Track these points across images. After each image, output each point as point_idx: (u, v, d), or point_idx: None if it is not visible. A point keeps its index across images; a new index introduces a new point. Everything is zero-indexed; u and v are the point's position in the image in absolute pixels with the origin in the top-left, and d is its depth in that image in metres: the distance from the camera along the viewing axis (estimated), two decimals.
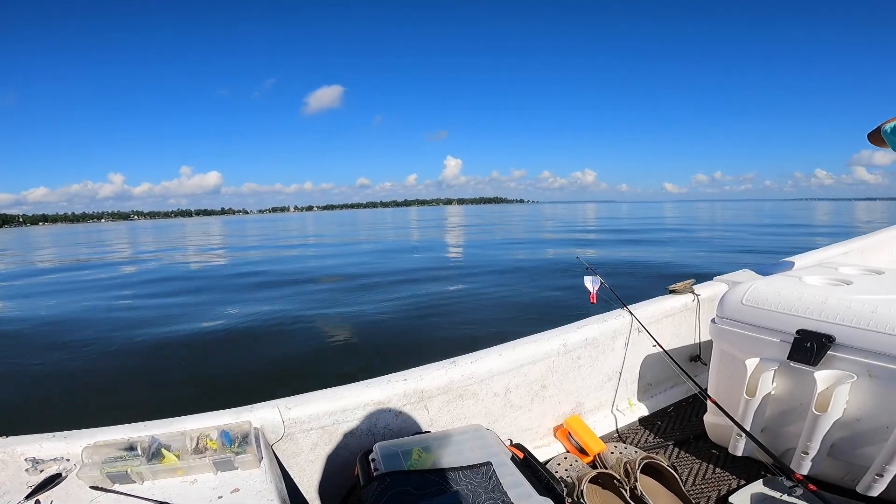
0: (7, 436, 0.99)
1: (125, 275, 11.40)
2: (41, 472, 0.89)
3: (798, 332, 1.21)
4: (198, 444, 0.93)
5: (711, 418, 1.52)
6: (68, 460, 0.93)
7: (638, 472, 1.25)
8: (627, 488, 1.24)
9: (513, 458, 1.04)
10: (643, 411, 1.76)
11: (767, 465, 1.39)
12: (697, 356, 1.93)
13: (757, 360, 1.29)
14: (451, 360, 1.38)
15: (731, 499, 1.25)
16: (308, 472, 1.18)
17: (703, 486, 1.36)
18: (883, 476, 1.09)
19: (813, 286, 1.34)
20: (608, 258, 10.30)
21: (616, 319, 1.68)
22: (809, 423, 1.18)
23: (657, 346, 1.64)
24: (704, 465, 1.45)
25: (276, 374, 3.69)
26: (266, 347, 4.45)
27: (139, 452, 0.89)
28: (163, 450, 0.90)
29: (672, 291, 1.92)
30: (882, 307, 1.13)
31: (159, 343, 4.76)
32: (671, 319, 1.85)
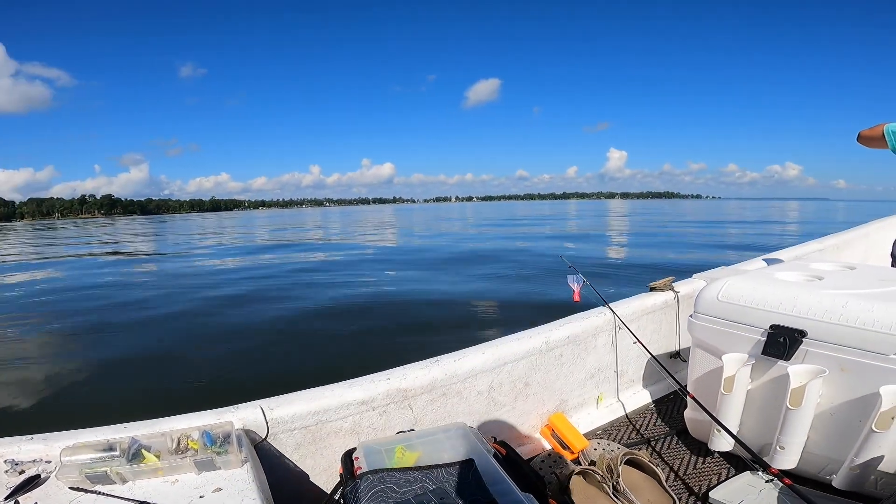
0: None
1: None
2: (20, 473, 0.88)
3: (771, 327, 1.24)
4: (179, 444, 0.92)
5: (691, 414, 1.55)
6: (48, 462, 0.92)
7: (620, 468, 1.27)
8: (610, 484, 1.26)
9: (495, 456, 1.05)
10: (625, 408, 1.78)
11: (746, 460, 1.41)
12: (677, 353, 1.96)
13: (733, 355, 1.31)
14: (435, 358, 1.39)
15: (711, 494, 1.27)
16: (292, 471, 1.17)
17: (684, 482, 1.38)
18: (857, 469, 1.12)
19: (786, 282, 1.36)
20: None
21: (597, 317, 1.70)
22: (784, 418, 1.20)
23: (638, 343, 1.67)
24: (686, 460, 1.48)
25: None
26: None
27: (118, 453, 0.89)
28: (143, 450, 0.90)
29: (652, 289, 1.95)
30: (852, 302, 1.15)
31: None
32: (651, 317, 1.88)
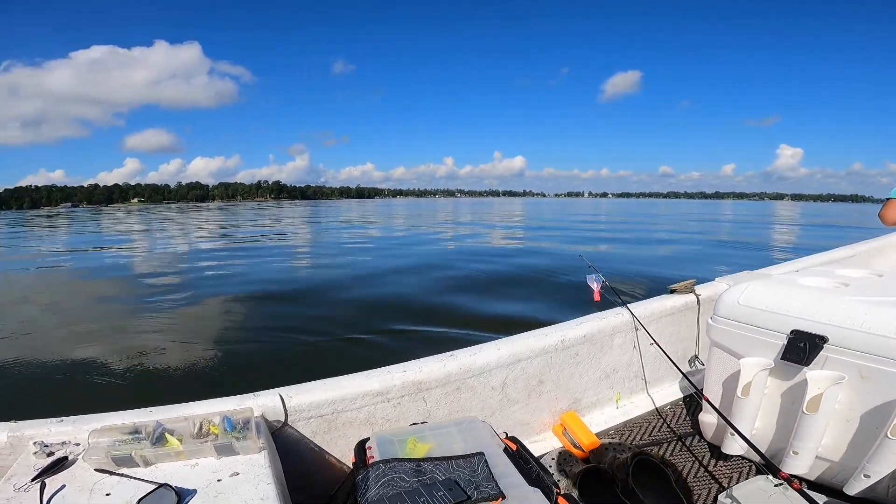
0: (17, 420, 1.02)
1: None
2: (48, 455, 0.92)
3: (792, 332, 1.22)
4: (201, 429, 0.96)
5: (706, 417, 1.54)
6: (77, 444, 0.96)
7: (631, 468, 1.27)
8: (619, 484, 1.26)
9: (506, 450, 1.06)
10: (639, 409, 1.78)
11: (758, 464, 1.40)
12: (695, 356, 1.94)
13: (751, 359, 1.30)
14: (451, 353, 1.41)
15: (720, 497, 1.26)
16: (307, 458, 1.21)
17: (694, 484, 1.37)
18: (869, 476, 1.11)
19: (809, 287, 1.34)
20: None
21: (615, 317, 1.70)
22: (800, 423, 1.19)
23: (655, 345, 1.65)
24: (697, 463, 1.47)
25: None
26: None
27: (143, 436, 0.93)
28: (166, 434, 0.94)
29: (673, 291, 1.93)
30: (876, 309, 1.13)
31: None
32: (671, 319, 1.86)
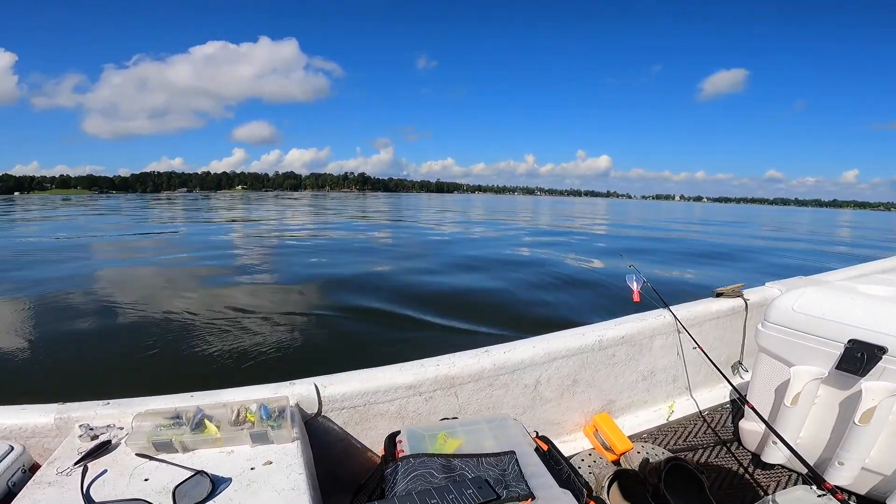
0: (63, 401, 1.05)
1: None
2: (93, 439, 0.95)
3: (849, 341, 1.16)
4: (238, 416, 0.99)
5: (747, 424, 1.48)
6: (121, 428, 0.98)
7: (663, 473, 1.23)
8: (651, 489, 1.23)
9: (537, 450, 1.05)
10: (675, 414, 1.72)
11: (799, 473, 1.35)
12: (739, 362, 1.86)
13: (803, 367, 1.25)
14: (485, 348, 1.40)
15: None
16: (337, 449, 1.23)
17: (729, 492, 1.33)
18: None
19: (868, 295, 1.27)
20: None
21: (656, 319, 1.65)
22: (849, 434, 1.15)
23: (696, 349, 1.60)
24: (734, 470, 1.42)
25: None
26: None
27: (184, 422, 0.96)
28: (206, 420, 0.97)
29: (719, 295, 1.86)
30: None
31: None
32: (715, 323, 1.79)
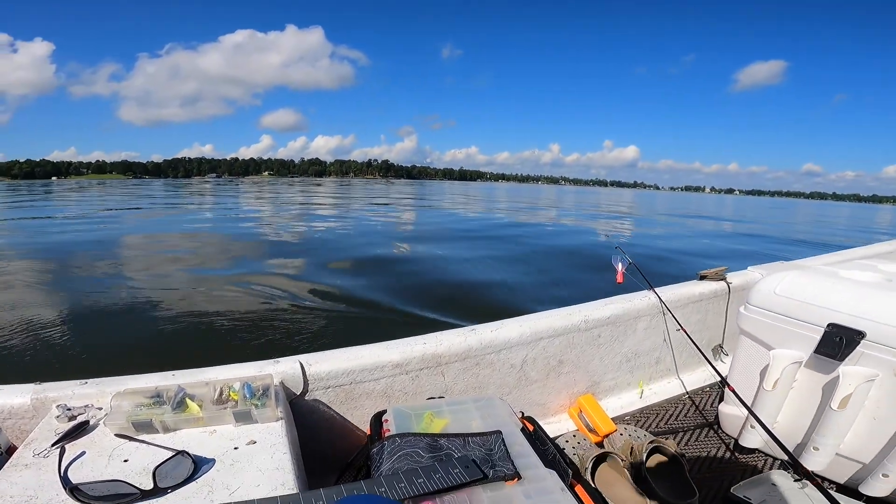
0: (41, 382, 1.01)
1: None
2: (70, 419, 0.91)
3: (829, 325, 1.18)
4: (221, 394, 0.96)
5: (726, 408, 1.51)
6: (99, 408, 0.95)
7: (644, 455, 1.25)
8: (632, 471, 1.25)
9: (522, 430, 1.05)
10: (658, 396, 1.75)
11: (776, 458, 1.37)
12: (720, 345, 1.89)
13: (782, 351, 1.26)
14: (471, 327, 1.39)
15: (732, 489, 1.24)
16: (323, 428, 1.22)
17: (708, 475, 1.36)
18: (888, 476, 1.09)
19: (850, 281, 1.29)
20: None
21: (640, 300, 1.66)
22: (825, 419, 1.17)
23: (680, 331, 1.61)
24: (713, 453, 1.45)
25: None
26: None
27: (164, 401, 0.93)
28: (187, 399, 0.94)
29: (703, 277, 1.88)
30: None
31: None
32: (698, 305, 1.81)
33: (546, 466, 0.93)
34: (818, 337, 1.19)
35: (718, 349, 1.88)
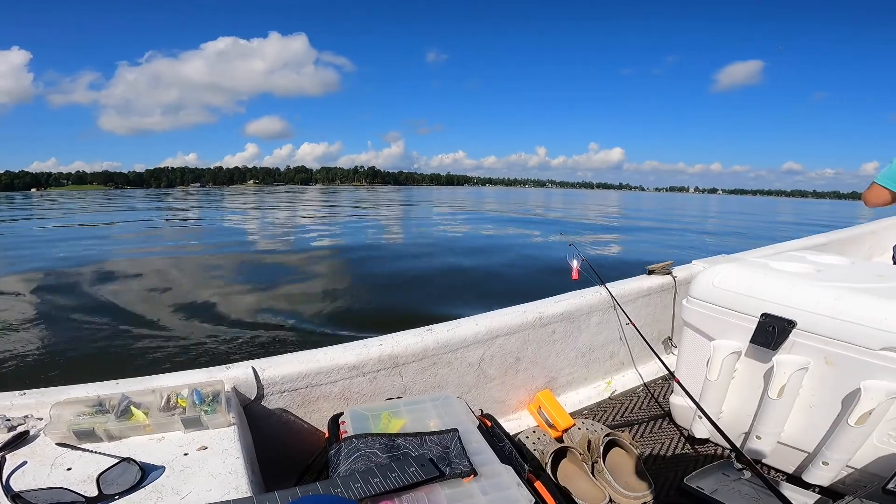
0: None
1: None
2: (10, 430, 0.89)
3: (762, 315, 1.23)
4: (168, 401, 0.94)
5: (676, 399, 1.56)
6: (39, 418, 0.93)
7: (601, 449, 1.29)
8: (590, 464, 1.28)
9: (480, 427, 1.07)
10: (613, 389, 1.80)
11: (725, 448, 1.43)
12: (669, 338, 1.97)
13: (722, 342, 1.31)
14: (428, 327, 1.40)
15: (685, 480, 1.28)
16: (280, 433, 1.20)
17: (662, 466, 1.40)
18: (828, 464, 1.13)
19: (782, 272, 1.36)
20: None
21: (592, 295, 1.71)
22: (763, 408, 1.21)
23: (631, 325, 1.67)
24: (667, 445, 1.50)
25: None
26: None
27: (108, 409, 0.90)
28: (132, 407, 0.91)
29: (651, 272, 1.95)
30: (845, 295, 1.15)
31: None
32: (647, 299, 1.88)
33: (503, 462, 0.95)
34: (753, 327, 1.24)
35: (668, 342, 1.96)
